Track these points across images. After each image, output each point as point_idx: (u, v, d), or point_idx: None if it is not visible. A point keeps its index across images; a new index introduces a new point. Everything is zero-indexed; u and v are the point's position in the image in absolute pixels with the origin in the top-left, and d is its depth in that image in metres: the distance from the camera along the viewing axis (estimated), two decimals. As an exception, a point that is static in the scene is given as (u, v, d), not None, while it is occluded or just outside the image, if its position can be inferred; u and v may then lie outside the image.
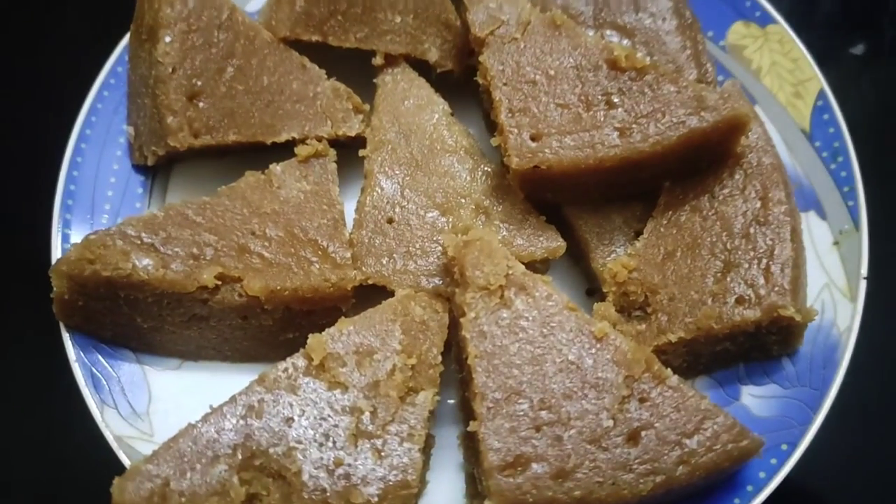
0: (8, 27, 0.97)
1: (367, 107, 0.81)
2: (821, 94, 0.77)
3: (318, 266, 0.70)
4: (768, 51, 0.81)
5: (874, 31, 1.01)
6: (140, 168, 0.77)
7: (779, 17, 0.81)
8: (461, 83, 0.82)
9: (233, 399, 0.59)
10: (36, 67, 0.94)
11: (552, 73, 0.72)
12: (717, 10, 0.83)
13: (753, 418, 0.66)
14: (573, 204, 0.75)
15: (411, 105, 0.79)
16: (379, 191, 0.75)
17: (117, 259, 0.63)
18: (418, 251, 0.73)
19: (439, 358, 0.65)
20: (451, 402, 0.71)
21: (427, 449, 0.64)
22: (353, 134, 0.79)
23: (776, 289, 0.65)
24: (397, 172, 0.76)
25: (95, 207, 0.74)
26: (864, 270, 0.70)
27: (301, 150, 0.76)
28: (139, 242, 0.64)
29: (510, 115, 0.71)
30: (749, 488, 0.63)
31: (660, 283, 0.69)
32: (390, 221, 0.74)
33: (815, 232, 0.73)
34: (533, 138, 0.70)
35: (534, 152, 0.70)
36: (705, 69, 0.77)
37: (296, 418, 0.58)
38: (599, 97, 0.71)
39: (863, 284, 0.69)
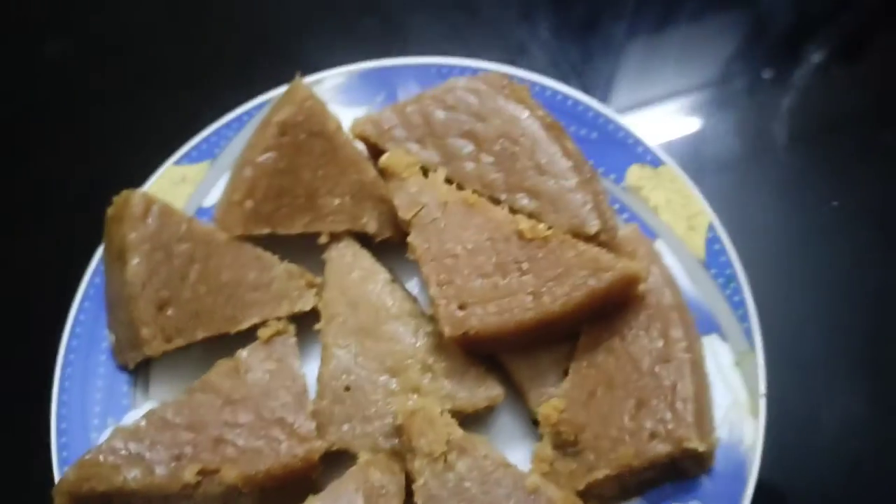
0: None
1: (319, 279, 0.91)
2: (711, 227, 0.87)
3: (286, 444, 0.79)
4: (663, 189, 0.91)
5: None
6: (123, 367, 0.87)
7: (667, 159, 0.91)
8: (401, 245, 0.91)
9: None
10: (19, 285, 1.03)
11: (470, 246, 0.82)
12: (615, 156, 0.93)
13: (681, 537, 0.75)
14: (506, 352, 0.84)
15: (356, 277, 0.89)
16: (335, 362, 0.85)
17: (109, 474, 0.72)
18: (374, 414, 0.82)
19: None
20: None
21: None
22: (308, 308, 0.88)
23: (682, 423, 0.74)
24: (349, 342, 0.85)
25: (86, 410, 0.83)
26: (762, 388, 0.79)
27: (263, 333, 0.85)
28: (126, 454, 0.73)
29: (438, 287, 0.81)
30: None
31: (585, 422, 0.78)
32: (347, 389, 0.83)
33: (720, 354, 0.83)
34: (460, 307, 0.80)
35: (462, 321, 0.79)
36: (605, 218, 0.87)
37: None
38: (513, 266, 0.81)
39: (762, 402, 0.78)
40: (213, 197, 0.95)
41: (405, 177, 0.86)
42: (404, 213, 0.84)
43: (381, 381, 0.84)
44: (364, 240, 0.92)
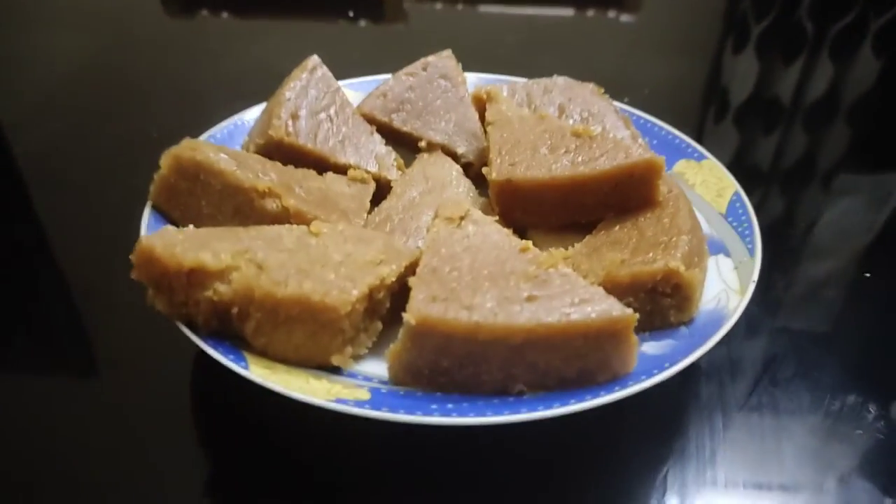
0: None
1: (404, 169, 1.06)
2: (736, 193, 0.95)
3: (335, 217, 0.89)
4: (701, 175, 1.01)
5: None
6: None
7: (710, 156, 1.03)
8: (476, 176, 1.06)
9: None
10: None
11: (532, 137, 0.96)
12: (667, 153, 1.06)
13: (646, 356, 0.72)
14: (533, 227, 0.92)
15: (435, 164, 1.04)
16: (400, 198, 0.97)
17: (209, 152, 0.85)
18: (414, 231, 0.91)
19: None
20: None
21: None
22: (391, 177, 1.03)
23: (670, 253, 0.76)
24: (417, 192, 0.98)
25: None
26: (755, 277, 0.79)
27: (351, 173, 1.00)
28: (227, 153, 0.87)
29: (498, 154, 0.94)
30: (631, 383, 0.67)
31: (585, 266, 0.82)
32: (407, 208, 0.94)
33: (722, 265, 0.85)
34: (510, 164, 0.92)
35: (508, 171, 0.90)
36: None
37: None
38: (561, 149, 0.93)
39: (752, 285, 0.78)
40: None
41: (500, 101, 1.04)
42: (490, 118, 1.01)
43: (428, 215, 0.94)
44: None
